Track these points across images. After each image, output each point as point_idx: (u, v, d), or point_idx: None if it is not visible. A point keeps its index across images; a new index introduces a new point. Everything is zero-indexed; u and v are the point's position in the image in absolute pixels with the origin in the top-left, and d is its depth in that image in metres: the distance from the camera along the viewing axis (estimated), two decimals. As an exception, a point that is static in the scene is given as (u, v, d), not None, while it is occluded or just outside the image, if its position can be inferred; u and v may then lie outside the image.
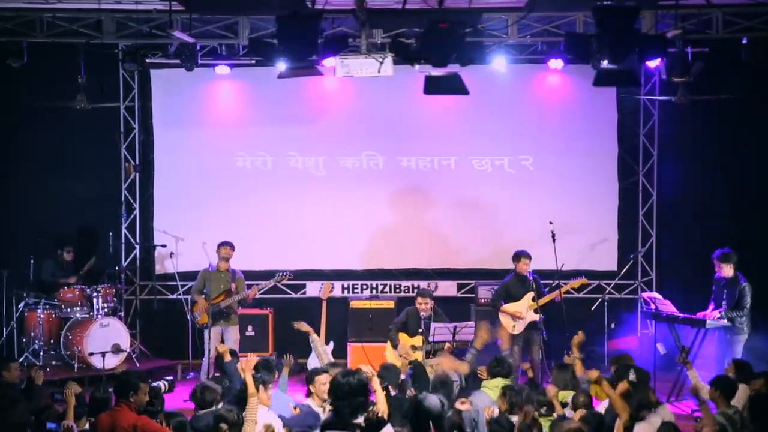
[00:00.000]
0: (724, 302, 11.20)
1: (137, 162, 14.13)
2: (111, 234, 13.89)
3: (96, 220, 14.15)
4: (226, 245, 12.31)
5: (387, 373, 8.55)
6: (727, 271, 11.24)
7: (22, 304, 12.91)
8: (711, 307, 11.41)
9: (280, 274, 12.49)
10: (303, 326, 11.26)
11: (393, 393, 8.45)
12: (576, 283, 12.18)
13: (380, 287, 14.04)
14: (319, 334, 13.34)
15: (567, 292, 12.17)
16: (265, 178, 14.15)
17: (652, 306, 11.82)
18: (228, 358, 9.09)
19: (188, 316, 12.84)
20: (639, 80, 12.22)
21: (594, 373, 8.00)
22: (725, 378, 8.56)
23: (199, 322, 12.22)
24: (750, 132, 13.47)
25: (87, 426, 7.83)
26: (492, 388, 8.60)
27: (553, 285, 11.94)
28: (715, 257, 11.34)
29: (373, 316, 13.39)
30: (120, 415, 7.24)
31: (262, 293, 13.05)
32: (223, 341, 11.91)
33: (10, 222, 13.89)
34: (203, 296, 12.12)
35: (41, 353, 12.56)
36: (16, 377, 9.45)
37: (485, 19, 12.16)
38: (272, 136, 14.13)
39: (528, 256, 11.92)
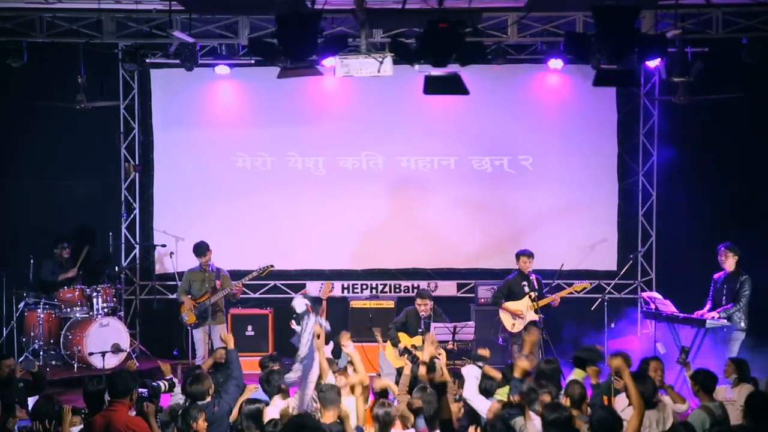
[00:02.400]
0: (723, 298, 11.20)
1: (137, 162, 14.14)
2: (111, 234, 13.92)
3: (96, 220, 14.16)
4: (202, 252, 12.06)
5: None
6: (731, 263, 11.25)
7: (22, 304, 12.90)
8: (708, 306, 11.41)
9: (261, 267, 12.41)
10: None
11: None
12: (578, 286, 12.22)
13: (380, 287, 14.04)
14: (319, 335, 13.35)
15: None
16: (264, 178, 14.15)
17: (652, 306, 11.83)
18: (232, 345, 9.03)
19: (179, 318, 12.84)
20: (639, 80, 12.26)
21: (616, 360, 7.95)
22: (705, 371, 8.49)
23: (187, 322, 12.18)
24: (750, 132, 13.47)
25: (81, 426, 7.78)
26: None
27: (554, 285, 11.95)
28: (722, 247, 11.33)
29: (373, 316, 13.41)
30: (114, 415, 7.17)
31: (261, 293, 13.07)
32: (210, 340, 11.92)
33: (10, 222, 13.89)
34: (189, 296, 12.12)
35: (41, 353, 12.55)
36: (6, 373, 9.43)
37: (485, 19, 12.16)
38: (272, 136, 14.13)
39: (527, 255, 11.99)
